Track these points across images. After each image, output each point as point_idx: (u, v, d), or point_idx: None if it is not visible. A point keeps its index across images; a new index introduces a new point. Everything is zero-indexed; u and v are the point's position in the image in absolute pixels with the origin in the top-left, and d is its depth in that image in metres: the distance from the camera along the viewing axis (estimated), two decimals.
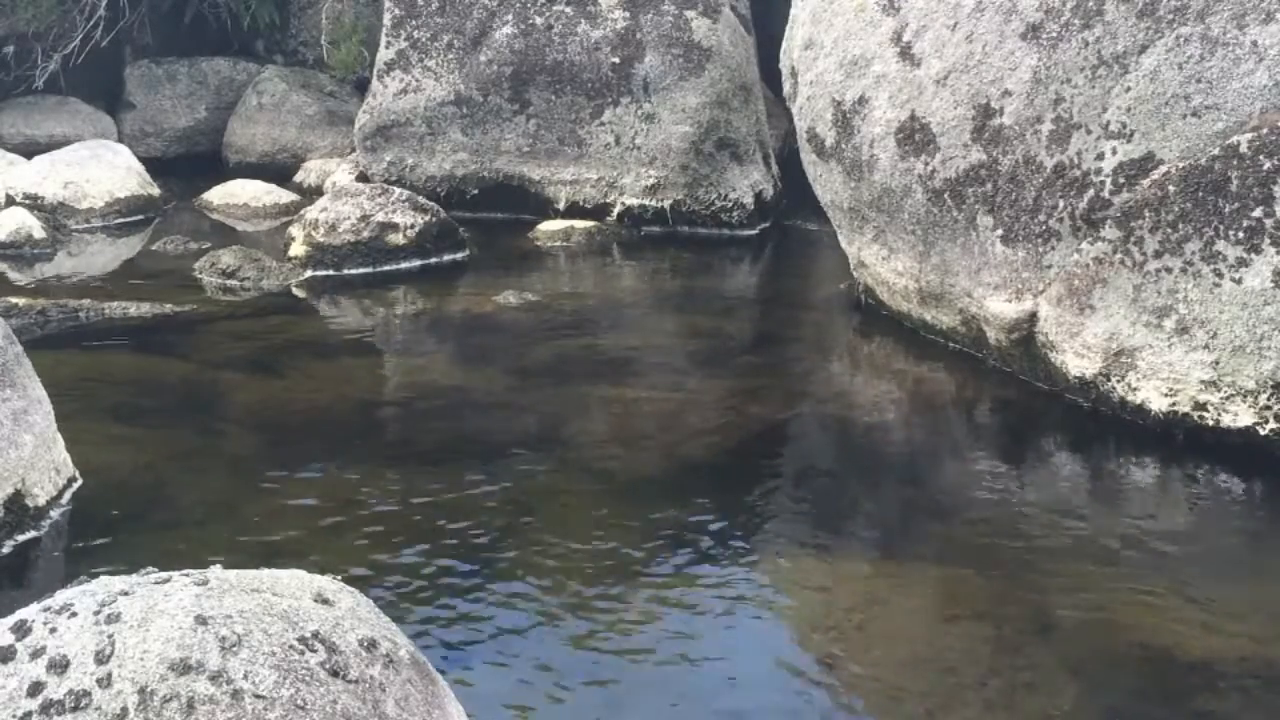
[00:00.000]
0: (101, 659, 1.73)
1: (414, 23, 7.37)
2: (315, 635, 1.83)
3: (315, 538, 3.27)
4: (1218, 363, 3.76)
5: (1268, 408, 3.70)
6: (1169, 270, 3.86)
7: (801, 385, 4.72)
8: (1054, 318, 4.22)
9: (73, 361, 4.60)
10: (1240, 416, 3.74)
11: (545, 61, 7.11)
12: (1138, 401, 3.96)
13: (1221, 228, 3.74)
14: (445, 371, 4.74)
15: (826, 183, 5.28)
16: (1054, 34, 4.22)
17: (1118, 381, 4.02)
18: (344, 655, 1.82)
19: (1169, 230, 3.85)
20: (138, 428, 4.02)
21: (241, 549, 3.12)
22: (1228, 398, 3.76)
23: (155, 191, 7.47)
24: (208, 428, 4.04)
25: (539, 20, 7.18)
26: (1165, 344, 3.88)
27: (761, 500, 3.64)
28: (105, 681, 1.71)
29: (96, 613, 1.79)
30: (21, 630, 1.79)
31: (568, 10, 7.18)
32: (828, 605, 3.08)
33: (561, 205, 7.11)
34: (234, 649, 1.75)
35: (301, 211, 6.40)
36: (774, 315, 5.79)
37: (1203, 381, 3.80)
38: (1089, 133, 4.11)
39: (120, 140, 8.42)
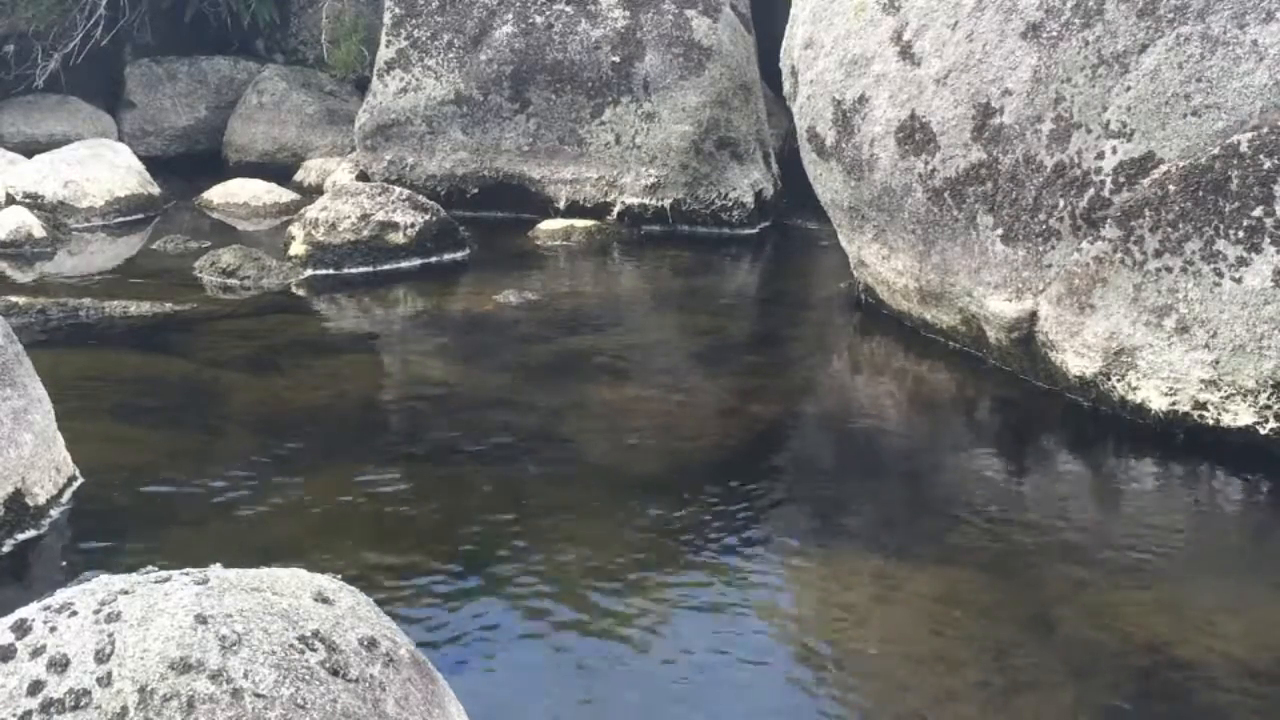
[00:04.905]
0: (101, 658, 1.73)
1: (414, 22, 7.37)
2: (315, 634, 1.83)
3: (315, 537, 3.27)
4: (1218, 362, 3.76)
5: (1268, 407, 3.70)
6: (1169, 269, 3.86)
7: (802, 384, 4.72)
8: (1054, 317, 4.22)
9: (73, 360, 4.60)
10: (1240, 416, 3.74)
11: (545, 60, 7.11)
12: (1138, 401, 3.96)
13: (1222, 227, 3.74)
14: (445, 370, 4.74)
15: (826, 182, 5.28)
16: (1054, 33, 4.22)
17: (1118, 381, 4.02)
18: (344, 654, 1.82)
19: (1169, 229, 3.85)
20: (138, 427, 4.02)
21: (241, 549, 3.11)
22: (1228, 397, 3.76)
23: (155, 190, 7.47)
24: (208, 427, 4.04)
25: (539, 19, 7.18)
26: (1165, 343, 3.88)
27: (761, 499, 3.64)
28: (105, 680, 1.71)
29: (97, 611, 1.79)
30: (22, 629, 1.79)
31: (568, 9, 7.18)
32: (828, 605, 3.08)
33: (562, 204, 7.11)
34: (234, 648, 1.75)
35: (301, 210, 6.40)
36: (774, 314, 5.79)
37: (1203, 381, 3.80)
38: (1089, 132, 4.11)
39: (120, 139, 8.43)
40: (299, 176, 8.24)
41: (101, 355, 4.76)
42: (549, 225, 6.90)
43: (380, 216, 6.07)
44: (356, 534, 3.30)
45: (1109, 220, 4.03)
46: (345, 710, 1.76)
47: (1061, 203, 4.18)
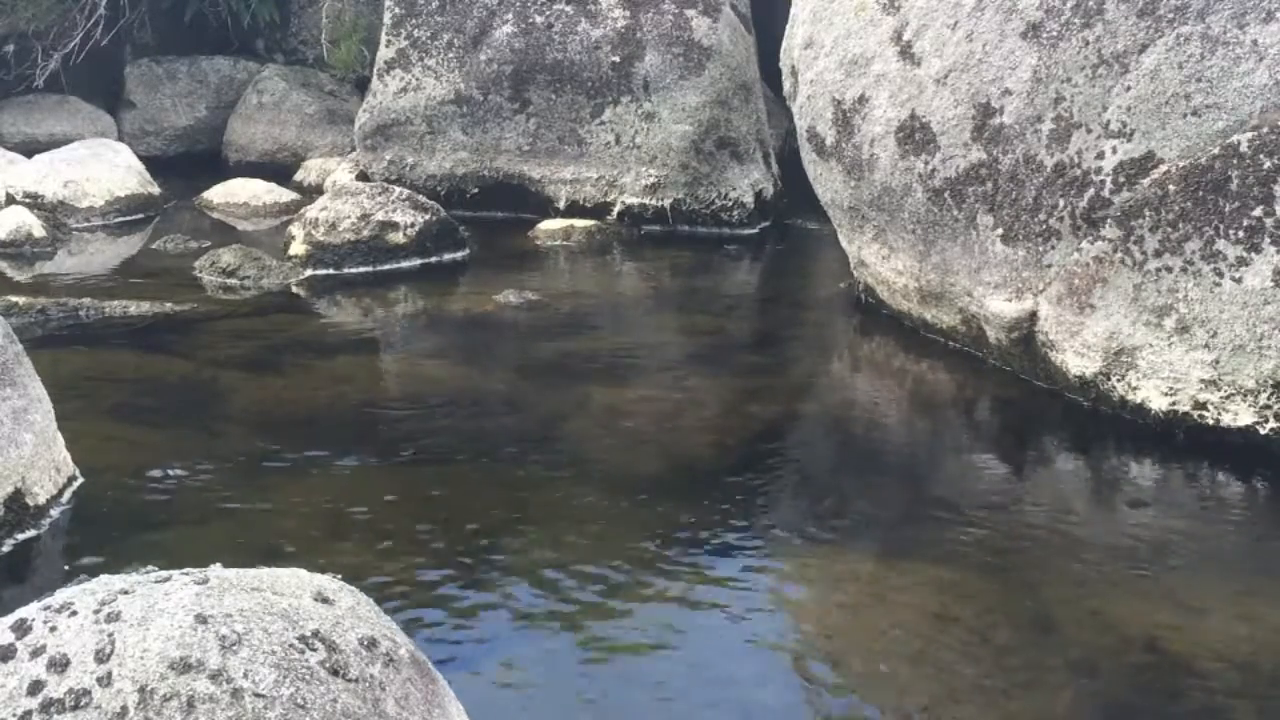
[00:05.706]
0: (101, 658, 1.73)
1: (414, 21, 7.37)
2: (315, 634, 1.83)
3: (315, 537, 3.26)
4: (1218, 362, 3.77)
5: (1268, 407, 3.70)
6: (1169, 269, 3.86)
7: (802, 385, 4.72)
8: (1054, 317, 4.22)
9: (73, 360, 4.60)
10: (1240, 416, 3.74)
11: (545, 60, 7.11)
12: (1138, 401, 3.96)
13: (1222, 227, 3.74)
14: (445, 370, 4.73)
15: (826, 182, 5.28)
16: (1054, 33, 4.22)
17: (1118, 380, 4.02)
18: (344, 654, 1.82)
19: (1169, 229, 3.85)
20: (138, 427, 4.02)
21: (241, 549, 3.12)
22: (1228, 397, 3.76)
23: (155, 190, 7.47)
24: (208, 427, 4.04)
25: (539, 19, 7.18)
26: (1165, 343, 3.88)
27: (761, 499, 3.64)
28: (105, 680, 1.71)
29: (96, 611, 1.79)
30: (21, 629, 1.79)
31: (568, 9, 7.18)
32: (827, 605, 3.09)
33: (561, 204, 7.12)
34: (234, 648, 1.75)
35: (301, 210, 6.40)
36: (774, 314, 5.79)
37: (1203, 381, 3.80)
38: (1089, 132, 4.11)
39: (120, 139, 8.43)
40: (299, 176, 8.24)
41: (101, 355, 4.76)
42: (549, 225, 6.90)
43: (380, 216, 6.07)
44: (357, 534, 3.30)
45: (1109, 220, 4.03)
46: (345, 710, 1.76)
47: (1061, 203, 4.18)
